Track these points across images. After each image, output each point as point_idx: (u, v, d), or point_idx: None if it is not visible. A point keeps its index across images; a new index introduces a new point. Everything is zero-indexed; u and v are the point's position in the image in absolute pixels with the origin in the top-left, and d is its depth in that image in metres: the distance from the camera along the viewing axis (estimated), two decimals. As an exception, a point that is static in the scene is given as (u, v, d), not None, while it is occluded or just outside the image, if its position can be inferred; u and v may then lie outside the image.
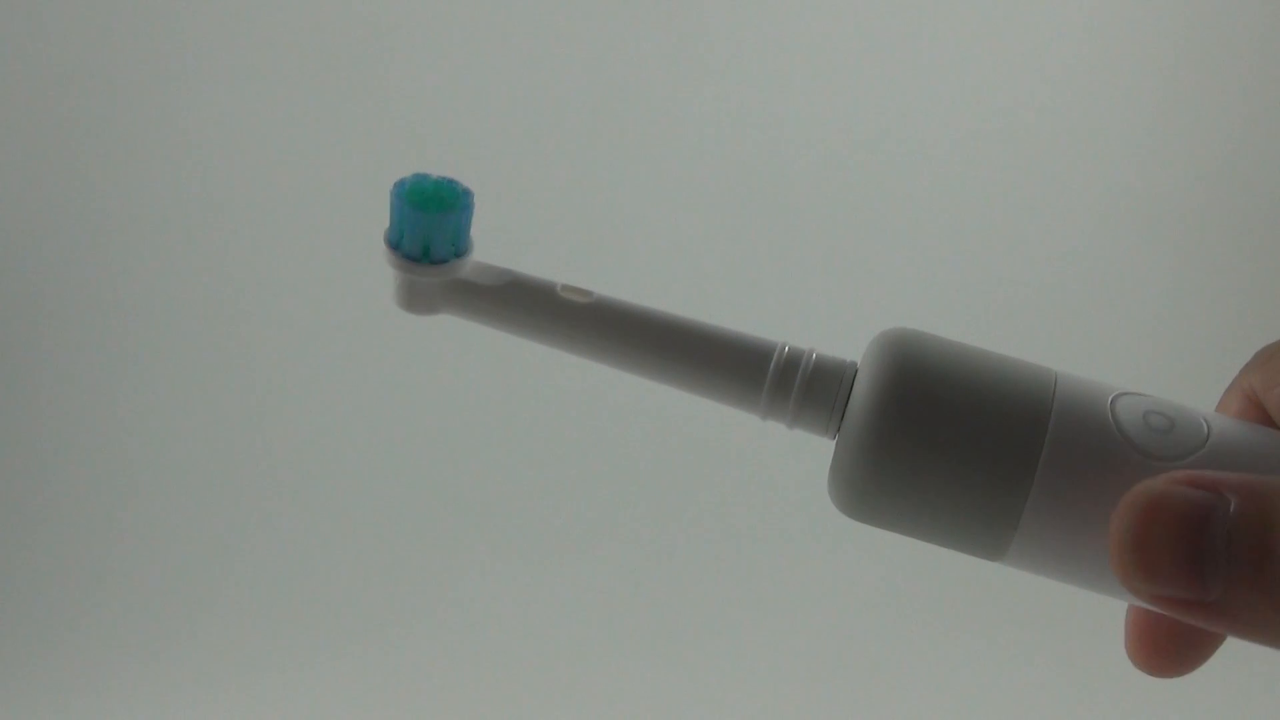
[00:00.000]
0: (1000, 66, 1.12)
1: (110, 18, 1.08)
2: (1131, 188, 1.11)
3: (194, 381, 1.08)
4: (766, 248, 1.07)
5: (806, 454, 1.06)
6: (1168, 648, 0.22)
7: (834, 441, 0.22)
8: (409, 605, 0.97)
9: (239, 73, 1.08)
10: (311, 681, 0.90)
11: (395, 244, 0.22)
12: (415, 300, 0.23)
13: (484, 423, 1.06)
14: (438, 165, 0.87)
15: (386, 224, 0.23)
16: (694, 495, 0.97)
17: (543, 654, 0.91)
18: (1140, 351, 1.05)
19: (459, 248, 0.23)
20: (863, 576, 0.95)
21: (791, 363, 0.22)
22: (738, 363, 0.22)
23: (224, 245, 1.10)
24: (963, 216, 1.08)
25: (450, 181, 0.23)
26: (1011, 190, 1.08)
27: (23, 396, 1.08)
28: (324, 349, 1.08)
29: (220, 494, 1.05)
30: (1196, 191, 1.11)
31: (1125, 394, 0.21)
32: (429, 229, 0.22)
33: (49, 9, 1.07)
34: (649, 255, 1.07)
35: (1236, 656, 0.25)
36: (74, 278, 1.10)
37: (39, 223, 1.10)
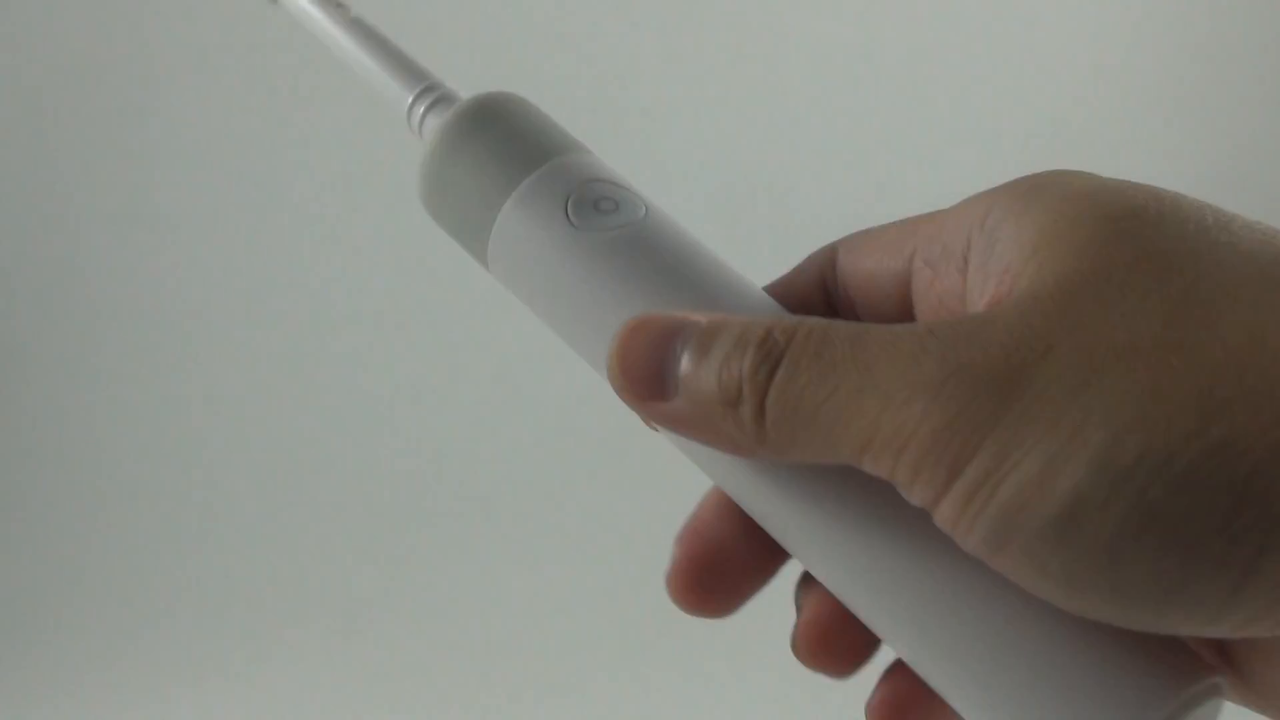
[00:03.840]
0: (1006, 67, 1.12)
1: (111, 18, 1.08)
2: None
3: (194, 382, 1.09)
4: (765, 249, 1.07)
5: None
6: (712, 584, 0.24)
7: None
8: (407, 603, 0.97)
9: (239, 73, 1.09)
10: (309, 680, 0.90)
11: None
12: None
13: (481, 418, 1.06)
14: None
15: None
16: (691, 493, 0.97)
17: (540, 652, 0.91)
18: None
19: None
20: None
21: (435, 87, 0.28)
22: (401, 72, 0.28)
23: (221, 244, 1.10)
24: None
25: None
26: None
27: (22, 396, 1.09)
28: (323, 348, 1.08)
29: (219, 492, 1.05)
30: (1202, 192, 1.11)
31: (603, 181, 0.25)
32: None
33: (49, 9, 1.07)
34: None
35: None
36: (72, 277, 1.10)
37: (39, 223, 1.10)
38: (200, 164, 1.10)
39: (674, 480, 1.05)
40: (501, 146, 0.26)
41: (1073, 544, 0.16)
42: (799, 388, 0.19)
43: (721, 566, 0.24)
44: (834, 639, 0.23)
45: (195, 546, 1.02)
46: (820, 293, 0.25)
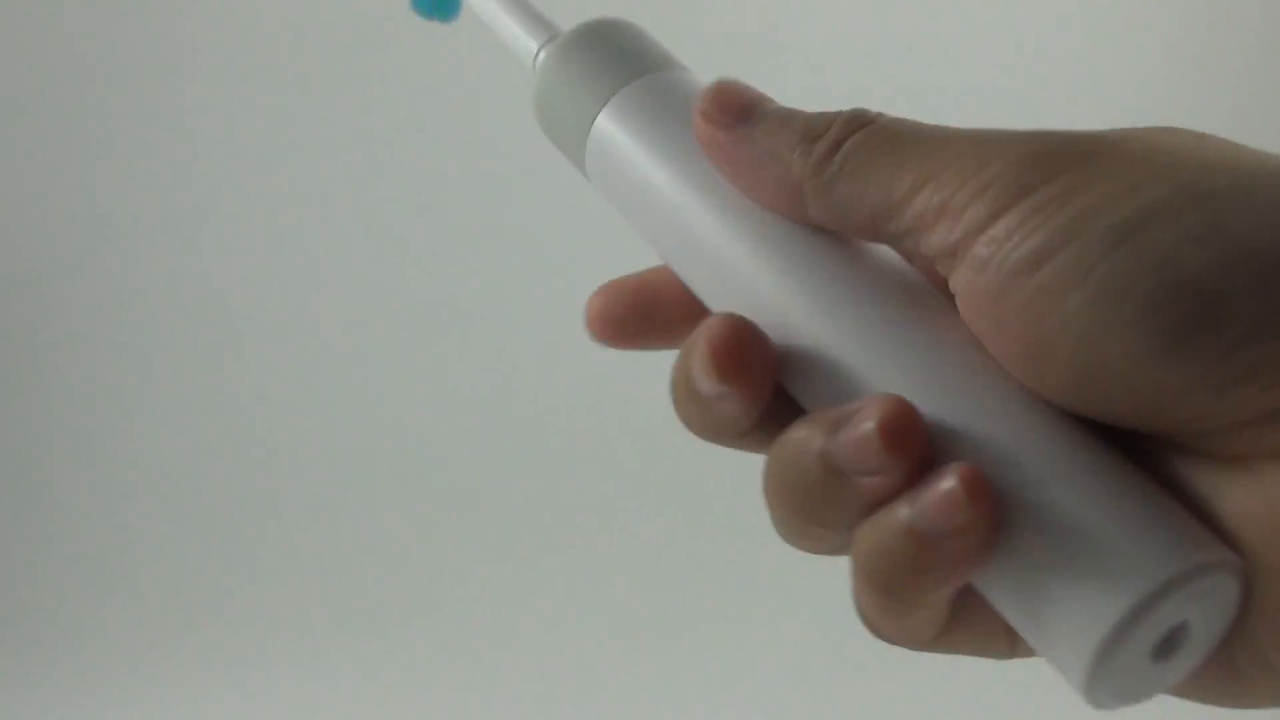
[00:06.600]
0: (1014, 66, 1.12)
1: (112, 18, 1.08)
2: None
3: (194, 382, 1.09)
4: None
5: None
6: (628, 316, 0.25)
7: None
8: (407, 604, 0.97)
9: (238, 74, 1.09)
10: (309, 680, 0.90)
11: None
12: None
13: (481, 420, 1.06)
14: (437, 166, 0.87)
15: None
16: (692, 492, 0.97)
17: (540, 652, 0.91)
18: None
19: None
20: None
21: (557, 35, 0.28)
22: (529, 25, 0.29)
23: (222, 245, 1.10)
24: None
25: None
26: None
27: (25, 396, 1.09)
28: (323, 349, 1.08)
29: (220, 493, 1.05)
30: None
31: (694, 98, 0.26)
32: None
33: (50, 9, 1.07)
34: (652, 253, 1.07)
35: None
36: (72, 277, 1.10)
37: (39, 223, 1.10)
38: (196, 163, 1.10)
39: (674, 481, 1.05)
40: (601, 60, 0.27)
41: (1135, 244, 0.18)
42: (882, 141, 0.21)
43: (646, 310, 0.26)
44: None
45: (196, 546, 1.02)
46: None
